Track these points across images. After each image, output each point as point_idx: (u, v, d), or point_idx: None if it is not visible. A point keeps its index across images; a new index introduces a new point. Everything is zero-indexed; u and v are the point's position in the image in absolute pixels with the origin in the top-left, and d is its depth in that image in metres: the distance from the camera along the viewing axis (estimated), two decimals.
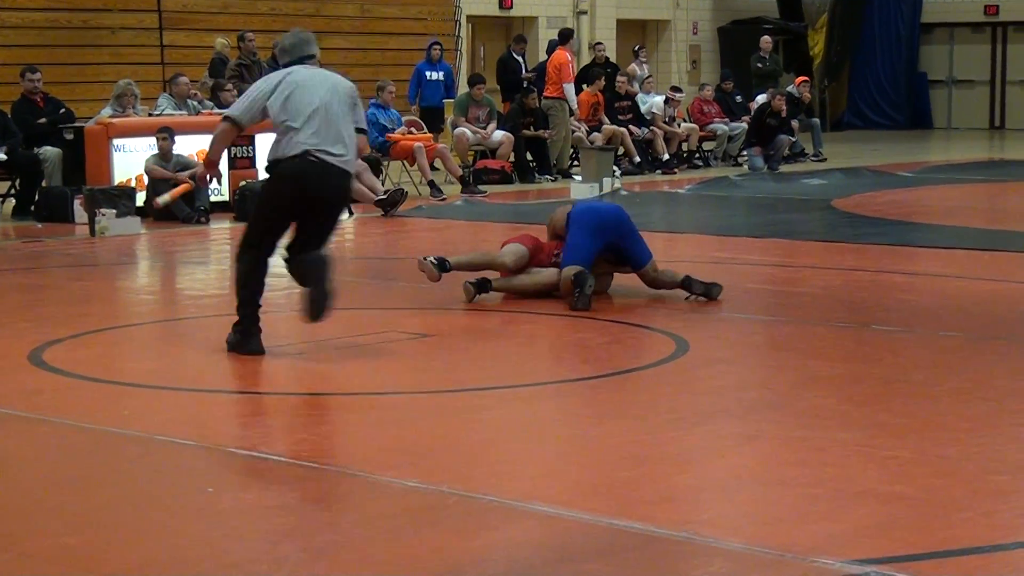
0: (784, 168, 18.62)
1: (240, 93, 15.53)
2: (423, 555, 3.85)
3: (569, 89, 17.52)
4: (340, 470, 4.65)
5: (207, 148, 7.43)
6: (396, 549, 3.91)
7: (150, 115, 14.17)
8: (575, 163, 17.82)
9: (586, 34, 24.42)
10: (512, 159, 17.12)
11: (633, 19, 25.81)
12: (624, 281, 8.43)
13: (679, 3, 26.27)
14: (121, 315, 8.31)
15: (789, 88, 20.00)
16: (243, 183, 13.47)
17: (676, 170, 18.42)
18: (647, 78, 19.78)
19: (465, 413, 5.59)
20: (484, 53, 22.78)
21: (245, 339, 6.73)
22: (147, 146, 13.24)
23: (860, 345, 7.03)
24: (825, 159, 20.02)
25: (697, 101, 20.06)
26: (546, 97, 17.65)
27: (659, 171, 18.29)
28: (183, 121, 14.04)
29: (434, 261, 8.44)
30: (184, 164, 13.08)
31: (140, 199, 12.89)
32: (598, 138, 17.79)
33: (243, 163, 14.18)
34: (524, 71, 18.63)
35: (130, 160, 13.35)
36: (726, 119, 19.79)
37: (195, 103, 14.90)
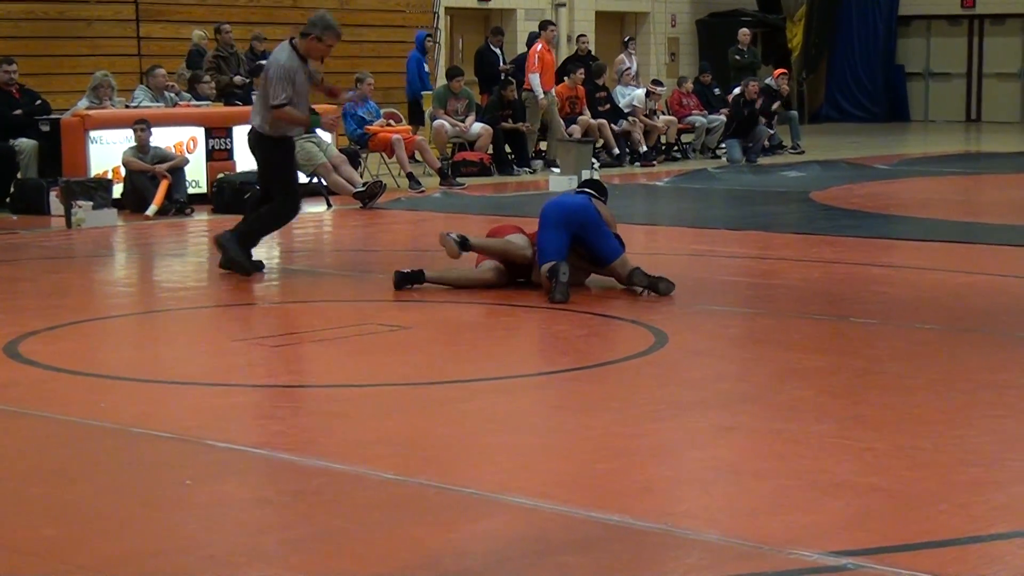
0: (762, 160, 18.66)
1: (217, 85, 15.64)
2: (401, 547, 3.85)
3: (533, 79, 17.45)
4: (318, 462, 4.65)
5: (293, 118, 9.14)
6: (374, 541, 3.91)
7: (127, 107, 14.13)
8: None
9: (565, 26, 24.41)
10: (491, 151, 17.13)
11: (612, 11, 25.84)
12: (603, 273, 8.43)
13: None
14: (98, 307, 8.29)
15: (767, 80, 20.05)
16: (221, 175, 13.45)
17: (655, 163, 18.45)
18: (626, 70, 19.78)
19: (444, 405, 5.60)
20: (463, 45, 22.76)
21: (250, 260, 8.81)
22: (124, 138, 13.20)
23: (837, 337, 7.06)
24: (803, 152, 20.08)
25: (676, 93, 20.09)
26: (526, 89, 17.65)
27: (638, 164, 18.32)
28: (160, 113, 14.01)
29: (456, 238, 8.41)
30: (162, 156, 13.05)
31: (117, 191, 12.86)
32: (576, 130, 17.80)
33: (220, 155, 14.16)
34: (502, 63, 18.63)
35: (107, 152, 13.31)
36: (704, 112, 19.83)
37: (172, 95, 14.86)
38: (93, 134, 13.29)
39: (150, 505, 4.27)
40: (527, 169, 17.41)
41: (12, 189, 13.28)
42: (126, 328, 7.62)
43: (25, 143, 13.40)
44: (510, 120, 17.38)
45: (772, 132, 19.73)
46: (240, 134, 14.26)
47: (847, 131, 25.50)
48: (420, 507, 4.21)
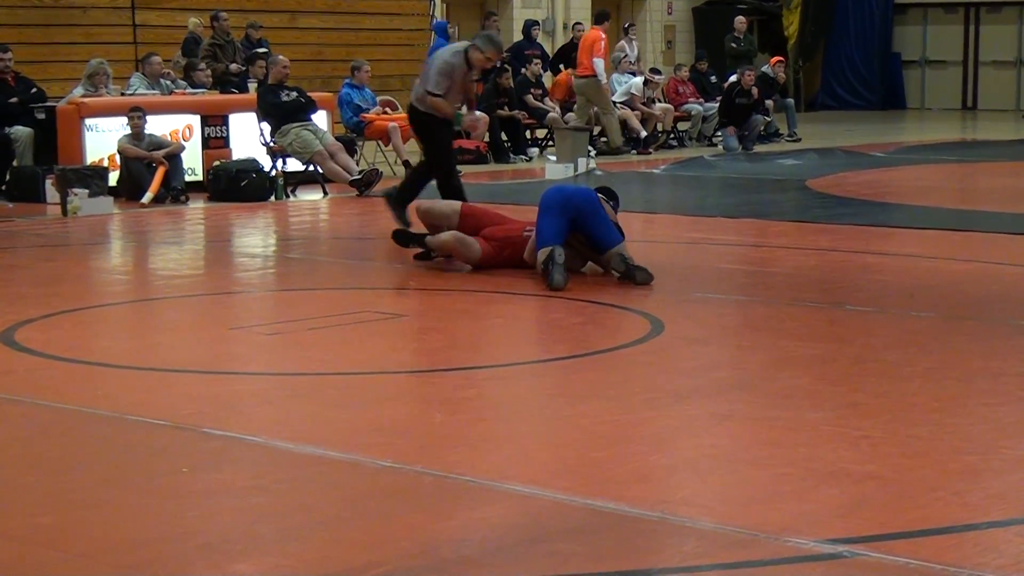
0: (758, 148, 18.65)
1: (213, 73, 15.61)
2: (398, 535, 3.85)
3: (598, 64, 17.42)
4: (314, 450, 4.65)
5: (438, 110, 9.84)
6: (370, 529, 3.92)
7: (122, 95, 14.10)
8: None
9: (561, 14, 24.38)
10: (487, 139, 17.11)
11: None
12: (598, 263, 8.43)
13: None
14: (94, 295, 8.28)
15: (764, 68, 20.03)
16: (216, 163, 13.43)
17: (651, 150, 18.43)
18: (624, 57, 19.75)
19: (440, 393, 5.60)
20: (458, 33, 22.71)
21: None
22: (119, 126, 13.18)
23: (832, 325, 7.06)
24: (799, 139, 20.07)
25: (672, 81, 20.06)
26: (580, 76, 17.58)
27: (634, 151, 18.31)
28: (156, 101, 13.98)
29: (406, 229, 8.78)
30: (157, 143, 13.02)
31: (113, 179, 12.84)
32: (572, 118, 17.78)
33: (216, 143, 14.13)
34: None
35: (102, 140, 13.28)
36: (701, 99, 19.81)
37: (168, 83, 14.83)
38: (89, 122, 13.26)
39: (146, 493, 4.27)
40: (523, 157, 17.40)
41: (7, 177, 13.25)
42: (122, 316, 7.61)
43: (20, 131, 13.37)
44: (506, 108, 17.36)
45: (768, 120, 19.71)
46: (236, 122, 14.25)
47: (843, 119, 25.49)
48: (416, 495, 4.21)
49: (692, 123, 19.73)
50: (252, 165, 13.25)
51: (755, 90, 18.58)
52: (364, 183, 13.33)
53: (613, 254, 8.08)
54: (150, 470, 4.51)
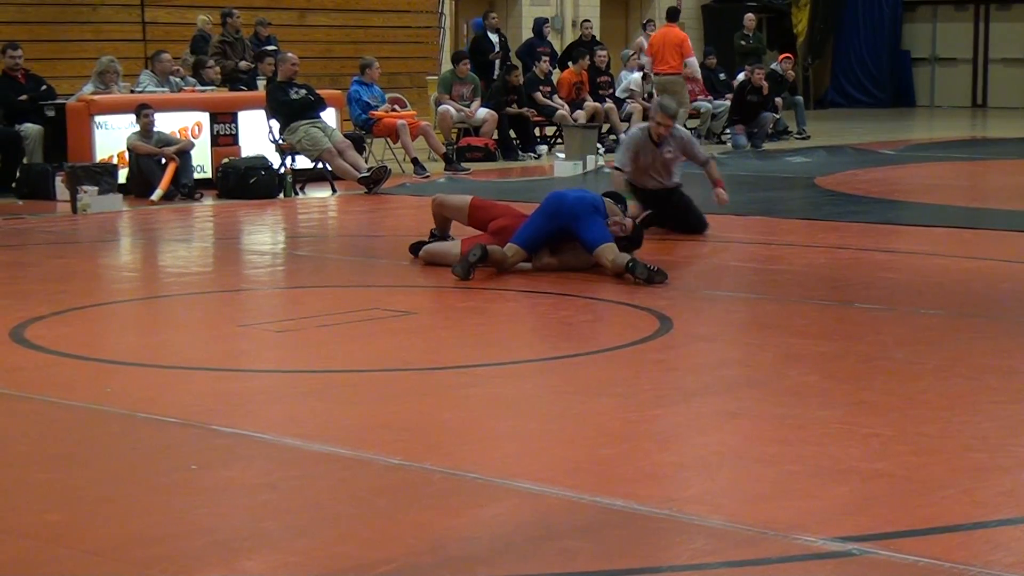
0: (767, 146, 18.63)
1: (223, 71, 15.63)
2: (406, 532, 3.85)
3: (692, 62, 17.69)
4: (323, 448, 4.65)
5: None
6: (379, 526, 3.92)
7: (132, 92, 14.12)
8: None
9: (570, 11, 24.37)
10: (495, 137, 17.10)
11: None
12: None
13: None
14: (103, 292, 8.29)
15: (773, 66, 20.00)
16: (226, 160, 13.44)
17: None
18: (632, 54, 19.72)
19: (449, 390, 5.60)
20: (467, 30, 22.70)
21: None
22: (129, 123, 13.19)
23: (842, 323, 7.05)
24: (808, 137, 20.04)
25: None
26: (661, 73, 17.63)
27: None
28: (165, 98, 14.00)
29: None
30: (166, 141, 13.03)
31: (122, 176, 12.86)
32: (581, 115, 17.77)
33: (225, 140, 14.15)
34: (496, 49, 18.55)
35: (112, 137, 13.30)
36: (710, 97, 19.78)
37: (177, 80, 14.84)
38: (98, 119, 13.28)
39: (155, 490, 4.27)
40: (532, 154, 17.39)
41: (18, 174, 13.27)
42: (132, 313, 7.62)
43: (30, 128, 13.39)
44: (515, 106, 17.35)
45: (777, 117, 19.69)
46: (245, 119, 14.27)
47: (852, 116, 25.45)
48: (425, 492, 4.21)
49: (701, 120, 19.69)
50: (261, 162, 13.26)
51: (765, 87, 18.55)
52: (373, 180, 13.34)
53: (624, 260, 8.07)
54: (159, 467, 4.51)
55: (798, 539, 3.76)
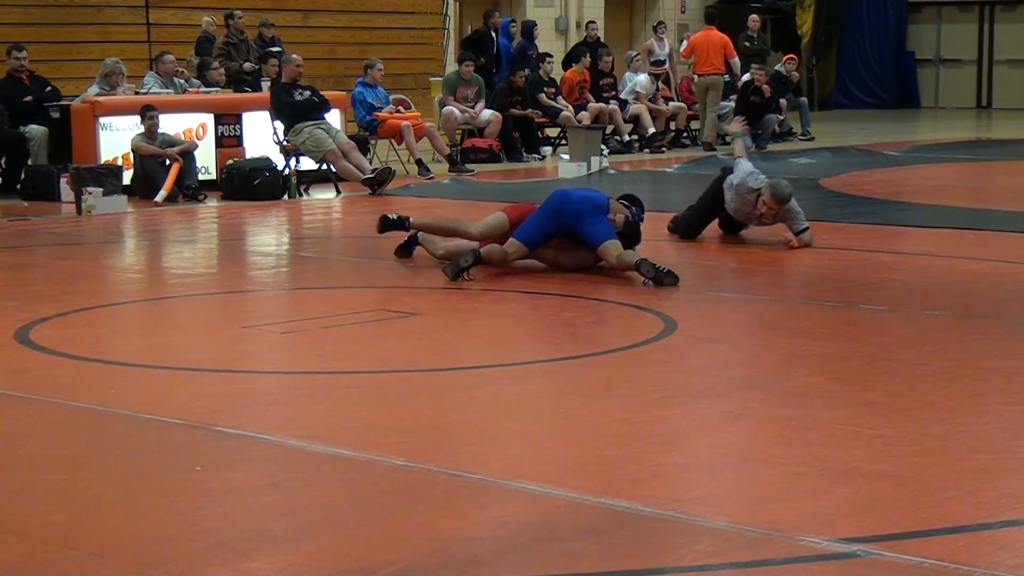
0: (772, 147, 18.62)
1: (227, 72, 15.65)
2: (411, 533, 3.85)
3: (737, 63, 18.61)
4: (327, 449, 4.65)
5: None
6: (384, 527, 3.92)
7: (136, 93, 14.13)
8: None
9: (574, 12, 24.36)
10: (500, 138, 17.10)
11: None
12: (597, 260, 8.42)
13: None
14: (108, 294, 8.30)
15: (777, 67, 19.99)
16: (230, 161, 13.46)
17: (664, 148, 18.41)
18: (636, 56, 19.70)
19: (454, 392, 5.60)
20: (472, 31, 22.71)
21: None
22: (133, 124, 13.21)
23: (846, 324, 7.05)
24: (813, 138, 20.03)
25: (686, 80, 20.03)
26: (706, 74, 17.79)
27: (646, 150, 18.28)
28: (169, 100, 14.01)
29: (393, 218, 8.94)
30: (170, 142, 13.05)
31: (127, 177, 12.87)
32: (585, 116, 17.77)
33: (230, 142, 14.16)
34: (496, 48, 18.53)
35: (116, 138, 13.31)
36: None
37: (181, 81, 14.85)
38: (103, 120, 13.29)
39: (160, 491, 4.28)
40: (536, 155, 17.39)
41: (23, 175, 13.28)
42: (136, 314, 7.63)
43: (35, 129, 13.40)
44: (519, 107, 17.35)
45: (782, 118, 19.68)
46: (249, 120, 14.28)
47: (857, 117, 25.44)
48: (429, 493, 4.22)
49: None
50: (265, 164, 13.27)
51: (767, 88, 18.53)
52: (377, 182, 13.34)
53: (630, 258, 8.07)
54: (164, 468, 4.52)
55: (803, 540, 3.76)
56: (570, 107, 18.02)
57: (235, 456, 4.65)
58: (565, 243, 8.42)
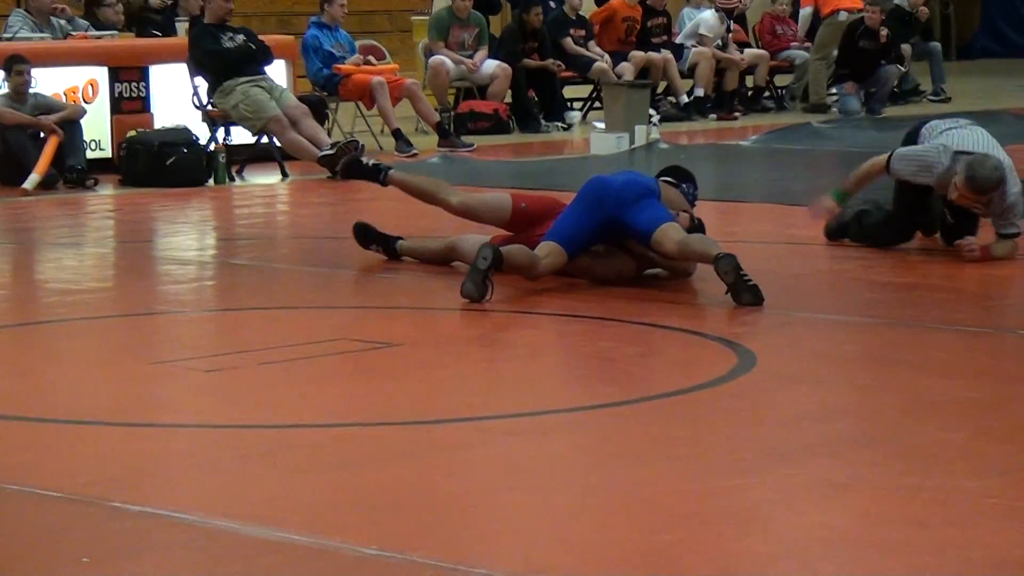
0: (890, 111, 18.63)
1: (126, 9, 15.67)
2: None
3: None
4: (271, 533, 4.66)
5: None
6: None
7: (0, 39, 14.18)
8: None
9: None
10: (509, 100, 17.12)
11: None
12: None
13: None
14: None
15: (897, 0, 20.01)
16: (132, 133, 13.44)
17: (737, 114, 18.43)
18: None
19: (444, 452, 5.61)
20: None
21: None
22: None
23: (998, 358, 7.05)
24: (949, 99, 20.04)
25: (767, 18, 20.06)
26: (851, 9, 18.14)
27: (713, 116, 18.30)
28: (45, 47, 14.04)
29: (368, 164, 9.27)
30: (47, 106, 13.07)
31: None
32: (628, 69, 17.78)
33: (132, 105, 14.13)
34: None
35: None
36: (807, 43, 19.79)
37: (62, 22, 14.88)
38: None
39: None
40: (559, 124, 17.40)
41: None
42: (0, 346, 7.64)
43: None
44: (536, 56, 17.37)
45: (904, 71, 19.69)
46: (158, 76, 14.28)
47: (1011, 70, 25.41)
48: None
49: (795, 76, 19.70)
50: (182, 137, 13.30)
51: (884, 31, 18.54)
52: (339, 161, 13.33)
53: (663, 233, 8.03)
54: (39, 560, 4.52)
55: None
56: (607, 56, 18.06)
57: (139, 542, 4.66)
58: (602, 246, 8.43)
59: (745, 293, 7.86)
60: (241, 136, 13.78)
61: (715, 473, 5.28)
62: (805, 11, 19.87)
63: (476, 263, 7.89)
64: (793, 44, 19.76)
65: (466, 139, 15.68)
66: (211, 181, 13.12)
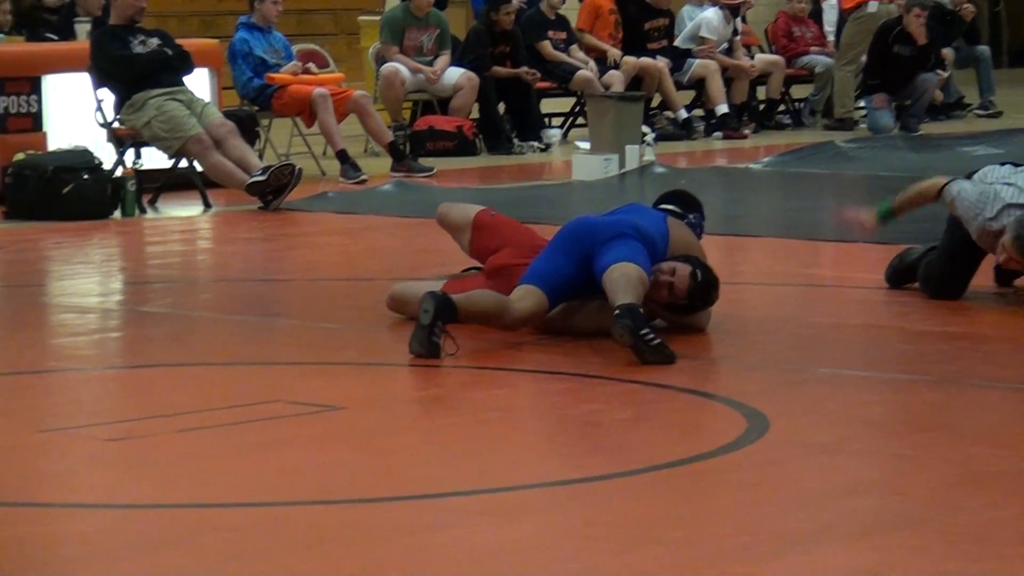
0: (928, 128, 18.71)
1: (16, 10, 15.64)
2: None
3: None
4: None
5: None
6: None
7: None
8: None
9: None
10: (476, 115, 17.16)
11: None
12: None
13: None
14: None
15: None
16: (20, 156, 13.40)
17: (746, 131, 18.50)
18: None
19: (396, 537, 5.61)
20: None
21: None
22: None
23: None
24: (999, 113, 20.16)
25: (782, 18, 20.16)
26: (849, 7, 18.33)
27: (717, 133, 18.36)
28: None
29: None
30: None
31: None
32: (617, 78, 17.84)
33: (20, 123, 14.10)
34: None
35: None
36: (831, 47, 19.88)
37: None
38: None
39: None
40: (535, 144, 17.43)
41: None
42: None
43: None
44: (508, 63, 17.41)
45: (945, 77, 19.77)
46: (54, 87, 14.26)
47: None
48: None
49: (816, 87, 19.79)
50: (82, 160, 13.28)
51: (922, 34, 18.62)
52: (271, 187, 13.35)
53: (607, 276, 7.99)
54: None
55: None
56: (592, 63, 18.12)
57: None
58: (596, 302, 8.36)
59: (649, 355, 7.80)
60: (155, 159, 13.77)
61: (718, 560, 5.29)
62: (830, 2, 19.89)
63: (419, 317, 7.90)
64: (813, 48, 19.84)
65: (424, 162, 15.72)
66: (117, 213, 13.11)
